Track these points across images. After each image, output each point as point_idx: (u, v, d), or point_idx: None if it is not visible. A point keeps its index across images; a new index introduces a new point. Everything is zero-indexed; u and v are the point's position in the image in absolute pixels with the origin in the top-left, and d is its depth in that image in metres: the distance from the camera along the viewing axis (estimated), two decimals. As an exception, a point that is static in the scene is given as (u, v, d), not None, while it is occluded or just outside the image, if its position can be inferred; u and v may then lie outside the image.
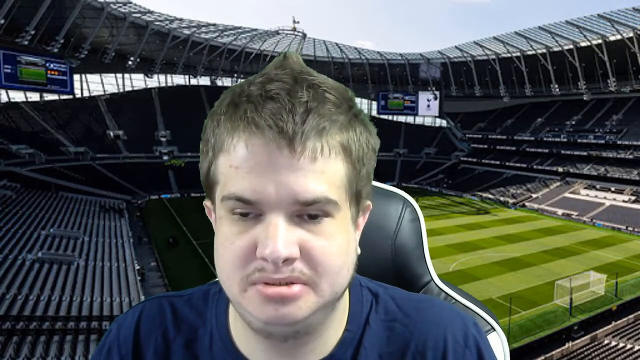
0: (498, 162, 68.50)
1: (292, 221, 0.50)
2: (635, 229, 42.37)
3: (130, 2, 53.08)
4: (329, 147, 0.50)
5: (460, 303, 0.80)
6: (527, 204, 55.38)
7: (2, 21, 43.33)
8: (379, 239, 0.83)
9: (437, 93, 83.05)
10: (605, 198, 51.28)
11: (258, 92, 0.50)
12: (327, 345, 0.59)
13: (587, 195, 53.40)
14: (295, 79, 0.51)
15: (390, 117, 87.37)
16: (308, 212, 0.50)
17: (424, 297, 0.70)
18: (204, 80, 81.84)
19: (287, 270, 0.49)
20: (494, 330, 0.75)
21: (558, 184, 58.62)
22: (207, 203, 0.59)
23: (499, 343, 0.74)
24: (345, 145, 0.52)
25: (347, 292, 0.61)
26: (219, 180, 0.52)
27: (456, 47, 72.88)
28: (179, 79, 79.12)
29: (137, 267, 28.48)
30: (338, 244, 0.52)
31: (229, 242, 0.51)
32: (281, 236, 0.48)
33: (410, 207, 0.88)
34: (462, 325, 0.63)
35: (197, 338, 0.64)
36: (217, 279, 0.77)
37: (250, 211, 0.50)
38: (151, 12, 57.29)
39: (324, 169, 0.49)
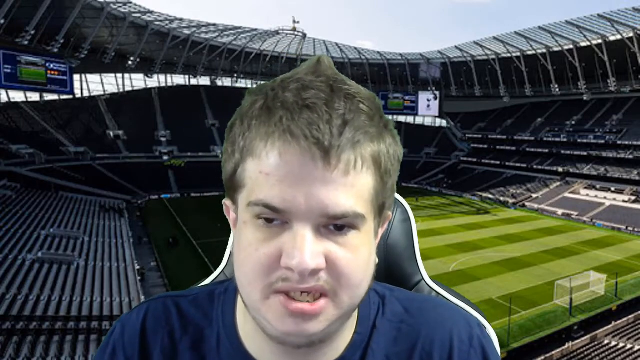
0: (498, 162, 68.50)
1: (318, 232, 0.50)
2: (635, 229, 42.36)
3: (130, 2, 53.11)
4: (361, 161, 0.50)
5: (451, 302, 0.80)
6: (527, 204, 55.38)
7: (2, 21, 43.34)
8: None
9: (437, 93, 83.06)
10: (605, 198, 51.27)
11: (294, 99, 0.49)
12: (338, 349, 0.60)
13: (587, 195, 53.40)
14: (332, 87, 0.51)
15: (390, 117, 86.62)
16: (335, 224, 0.50)
17: (428, 297, 0.72)
18: (204, 80, 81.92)
19: (313, 280, 0.49)
20: (485, 328, 0.75)
21: (558, 184, 58.62)
22: (227, 202, 0.59)
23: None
24: (376, 158, 0.52)
25: None
26: (245, 185, 0.52)
27: (456, 47, 72.93)
28: (179, 79, 79.26)
29: (137, 267, 28.47)
30: (362, 257, 0.52)
31: (252, 248, 0.50)
32: (308, 248, 0.48)
33: (401, 207, 0.89)
34: (467, 325, 0.64)
35: (204, 339, 0.64)
36: (220, 280, 0.80)
37: (277, 220, 0.50)
38: (151, 12, 57.31)
39: (354, 183, 0.50)
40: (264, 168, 0.49)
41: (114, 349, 0.65)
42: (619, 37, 54.50)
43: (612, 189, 52.57)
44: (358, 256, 0.51)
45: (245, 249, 0.51)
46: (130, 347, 0.64)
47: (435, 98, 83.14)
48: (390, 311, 0.65)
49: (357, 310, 0.61)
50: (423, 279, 0.87)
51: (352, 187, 0.49)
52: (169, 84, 78.11)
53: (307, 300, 0.49)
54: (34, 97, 60.06)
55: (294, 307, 0.49)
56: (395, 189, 0.60)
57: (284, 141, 0.48)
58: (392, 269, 0.85)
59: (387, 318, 0.64)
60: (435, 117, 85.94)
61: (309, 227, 0.49)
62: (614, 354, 20.04)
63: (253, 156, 0.51)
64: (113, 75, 70.41)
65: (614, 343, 21.17)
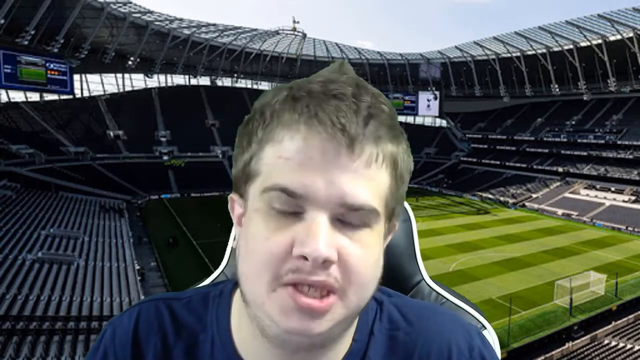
0: (498, 162, 68.50)
1: (333, 224, 0.48)
2: (635, 229, 42.36)
3: (130, 2, 53.12)
4: (382, 156, 0.50)
5: (451, 302, 0.80)
6: (527, 204, 55.38)
7: (2, 21, 43.35)
8: None
9: (437, 93, 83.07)
10: (605, 198, 51.28)
11: (321, 89, 0.49)
12: (337, 356, 0.58)
13: (587, 195, 53.40)
14: (357, 84, 0.51)
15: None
16: (350, 218, 0.49)
17: (428, 305, 0.70)
18: (204, 80, 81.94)
19: (324, 274, 0.47)
20: (485, 328, 0.76)
21: (558, 184, 58.63)
22: (233, 196, 0.57)
23: (490, 341, 0.73)
24: (395, 158, 0.52)
25: None
26: (261, 172, 0.50)
27: (456, 47, 72.95)
28: (179, 79, 79.28)
29: (137, 267, 28.48)
30: (373, 256, 0.51)
31: (263, 237, 0.49)
32: (323, 235, 0.46)
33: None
34: (466, 335, 0.62)
35: (197, 344, 0.62)
36: (212, 281, 0.79)
37: (291, 209, 0.48)
38: (151, 12, 57.33)
39: (374, 177, 0.49)
40: (283, 152, 0.48)
41: (105, 353, 0.63)
42: (619, 37, 54.50)
43: (612, 189, 52.57)
44: (369, 255, 0.50)
45: (255, 238, 0.50)
46: (122, 352, 0.62)
47: (435, 98, 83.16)
48: (387, 318, 0.63)
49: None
50: (423, 279, 0.86)
51: (371, 181, 0.49)
52: (169, 84, 78.14)
53: (315, 297, 0.48)
54: (34, 97, 60.08)
55: (302, 301, 0.47)
56: (404, 200, 0.59)
57: (309, 126, 0.48)
58: (393, 269, 0.84)
59: (384, 325, 0.62)
60: (435, 117, 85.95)
61: (325, 215, 0.48)
62: (614, 354, 20.04)
63: (272, 142, 0.50)
64: (113, 75, 70.43)
65: (614, 343, 21.18)
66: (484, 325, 0.76)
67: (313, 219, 0.47)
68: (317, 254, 0.46)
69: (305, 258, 0.46)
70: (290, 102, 0.50)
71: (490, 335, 0.74)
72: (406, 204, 0.86)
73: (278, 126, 0.49)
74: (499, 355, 0.72)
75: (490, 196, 59.33)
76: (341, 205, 0.48)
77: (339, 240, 0.48)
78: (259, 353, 0.56)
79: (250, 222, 0.51)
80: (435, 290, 0.83)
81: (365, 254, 0.50)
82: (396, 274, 0.85)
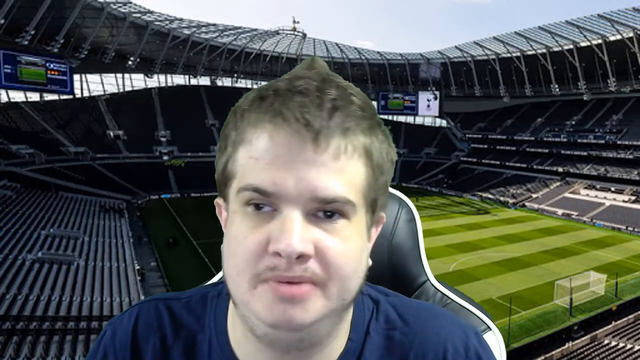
0: (498, 162, 68.50)
1: (308, 219, 0.49)
2: (635, 229, 42.36)
3: (130, 2, 53.11)
4: (352, 147, 0.49)
5: (456, 303, 0.79)
6: (527, 204, 55.38)
7: (2, 21, 43.34)
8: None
9: (437, 93, 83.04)
10: (605, 198, 51.27)
11: (286, 86, 0.50)
12: (332, 356, 0.58)
13: (587, 195, 53.40)
14: (324, 79, 0.51)
15: (390, 117, 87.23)
16: (325, 210, 0.49)
17: (425, 305, 0.69)
18: (204, 80, 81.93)
19: (300, 270, 0.47)
20: (490, 329, 0.75)
21: (558, 184, 58.62)
22: (218, 201, 0.57)
23: (495, 342, 0.73)
24: (368, 148, 0.51)
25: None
26: (236, 173, 0.51)
27: (456, 47, 72.94)
28: (179, 79, 79.28)
29: (137, 267, 28.47)
30: (353, 247, 0.51)
31: (241, 236, 0.49)
32: (296, 231, 0.47)
33: (406, 207, 0.88)
34: (463, 335, 0.61)
35: (195, 344, 0.62)
36: (215, 281, 0.78)
37: (265, 204, 0.49)
38: (151, 12, 57.33)
39: (344, 169, 0.49)
40: (253, 152, 0.49)
41: (105, 353, 0.63)
42: (619, 37, 54.50)
43: (612, 189, 52.56)
44: (348, 247, 0.50)
45: (235, 238, 0.50)
46: (122, 353, 0.63)
47: (435, 98, 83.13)
48: (383, 318, 0.63)
49: (351, 314, 0.60)
50: (428, 279, 0.85)
51: (342, 173, 0.49)
52: (169, 84, 78.13)
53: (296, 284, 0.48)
54: (34, 97, 60.05)
55: (283, 289, 0.47)
56: (389, 190, 0.58)
57: (274, 124, 0.48)
58: (397, 269, 0.84)
59: (380, 325, 0.62)
60: (435, 117, 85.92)
61: (298, 211, 0.48)
62: (614, 354, 20.04)
63: (244, 143, 0.50)
64: (113, 75, 70.43)
65: (614, 343, 21.17)
66: (488, 327, 0.75)
67: (287, 215, 0.48)
68: (290, 249, 0.46)
69: (280, 255, 0.47)
70: (257, 102, 0.50)
71: (495, 337, 0.73)
72: (411, 204, 0.88)
73: (247, 127, 0.50)
74: (504, 357, 0.72)
75: (490, 196, 59.33)
76: (313, 199, 0.48)
77: (315, 234, 0.48)
78: (252, 354, 0.56)
79: (231, 224, 0.52)
80: (440, 291, 0.83)
81: (344, 247, 0.49)
82: (401, 274, 0.85)
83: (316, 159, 0.47)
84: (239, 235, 0.50)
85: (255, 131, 0.49)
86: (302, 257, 0.47)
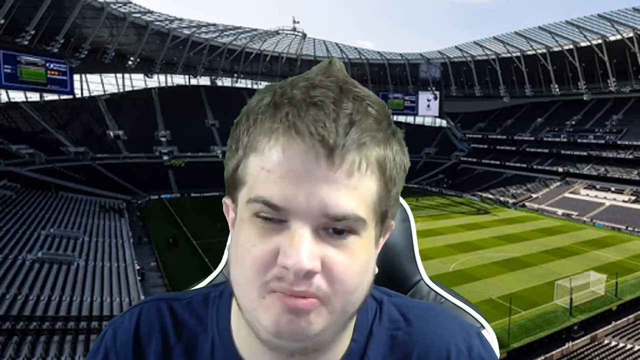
0: (498, 162, 68.50)
1: (317, 234, 0.48)
2: (635, 229, 42.36)
3: (130, 2, 53.13)
4: (366, 163, 0.49)
5: (450, 302, 0.80)
6: (527, 204, 55.38)
7: (2, 21, 43.35)
8: None
9: (437, 93, 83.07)
10: (605, 198, 51.28)
11: (302, 96, 0.49)
12: (335, 357, 0.58)
13: (587, 195, 53.40)
14: (341, 88, 0.50)
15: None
16: (334, 227, 0.49)
17: (428, 305, 0.70)
18: (204, 80, 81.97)
19: (305, 285, 0.47)
20: (484, 328, 0.76)
21: (558, 184, 58.62)
22: (226, 200, 0.58)
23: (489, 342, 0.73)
24: (382, 163, 0.51)
25: None
26: (246, 181, 0.51)
27: (456, 47, 72.96)
28: (179, 79, 79.31)
29: (137, 267, 28.47)
30: (360, 263, 0.51)
31: (250, 244, 0.49)
32: (305, 248, 0.47)
33: (400, 207, 0.86)
34: (466, 336, 0.62)
35: (197, 345, 0.62)
36: (214, 281, 0.78)
37: (275, 217, 0.48)
38: (151, 12, 57.34)
39: (357, 185, 0.48)
40: (265, 164, 0.48)
41: (106, 354, 0.63)
42: (619, 37, 54.50)
43: (612, 189, 52.57)
44: (355, 262, 0.50)
45: (243, 246, 0.50)
46: (123, 353, 0.62)
47: (435, 98, 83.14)
48: (387, 318, 0.63)
49: (355, 317, 0.59)
50: (422, 279, 0.86)
51: (354, 189, 0.48)
52: (169, 84, 78.16)
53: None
54: (34, 97, 60.07)
55: (289, 302, 0.47)
56: (399, 199, 0.58)
57: (288, 137, 0.47)
58: (391, 268, 0.84)
59: (384, 325, 0.62)
60: (435, 117, 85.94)
61: (307, 227, 0.48)
62: (614, 354, 20.03)
63: (256, 152, 0.50)
64: (113, 75, 70.46)
65: (614, 343, 21.17)
66: (482, 326, 0.76)
67: (296, 230, 0.48)
68: (299, 267, 0.46)
69: (288, 269, 0.47)
70: (271, 109, 0.50)
71: (490, 336, 0.74)
72: (405, 204, 0.87)
73: (260, 134, 0.50)
74: (498, 356, 0.72)
75: (490, 196, 59.33)
76: (323, 215, 0.48)
77: (323, 250, 0.48)
78: (257, 355, 0.57)
79: (239, 230, 0.52)
80: (434, 290, 0.83)
81: (351, 262, 0.50)
82: (395, 273, 0.85)
83: (329, 175, 0.47)
84: (248, 242, 0.50)
85: (268, 142, 0.49)
86: (308, 274, 0.47)
